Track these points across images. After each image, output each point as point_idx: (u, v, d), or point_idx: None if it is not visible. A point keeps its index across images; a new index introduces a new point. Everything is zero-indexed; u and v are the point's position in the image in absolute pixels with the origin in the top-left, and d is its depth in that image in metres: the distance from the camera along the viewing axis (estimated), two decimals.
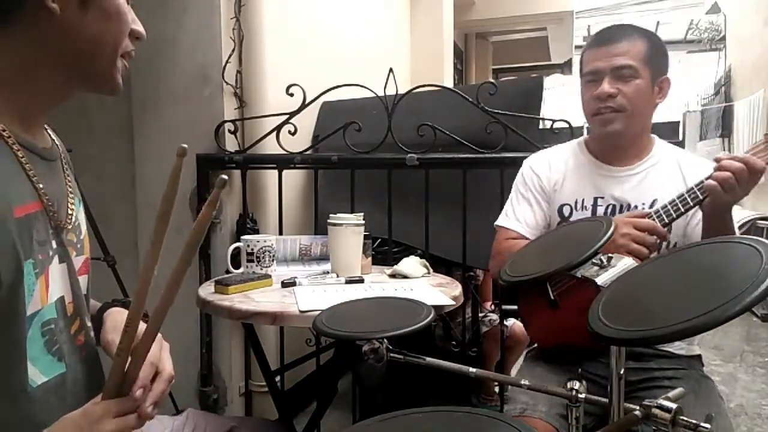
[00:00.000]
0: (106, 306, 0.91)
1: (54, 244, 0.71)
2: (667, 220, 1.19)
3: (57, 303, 0.71)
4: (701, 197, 1.15)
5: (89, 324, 0.78)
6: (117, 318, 0.85)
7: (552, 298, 1.29)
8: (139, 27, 0.74)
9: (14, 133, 0.67)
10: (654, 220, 1.19)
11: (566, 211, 1.37)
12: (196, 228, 0.66)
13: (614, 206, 1.32)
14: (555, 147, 1.47)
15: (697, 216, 1.26)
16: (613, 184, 1.33)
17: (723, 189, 1.08)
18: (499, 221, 1.45)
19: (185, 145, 0.65)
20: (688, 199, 1.16)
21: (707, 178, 1.13)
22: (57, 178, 0.75)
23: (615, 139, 1.32)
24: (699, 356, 1.35)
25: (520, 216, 1.41)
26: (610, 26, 1.34)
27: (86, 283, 0.80)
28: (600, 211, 1.33)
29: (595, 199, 1.34)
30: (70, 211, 0.75)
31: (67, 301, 0.73)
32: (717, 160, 1.12)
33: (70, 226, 0.75)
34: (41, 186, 0.69)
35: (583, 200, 1.35)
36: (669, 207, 1.19)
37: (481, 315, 2.33)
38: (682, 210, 1.17)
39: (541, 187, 1.41)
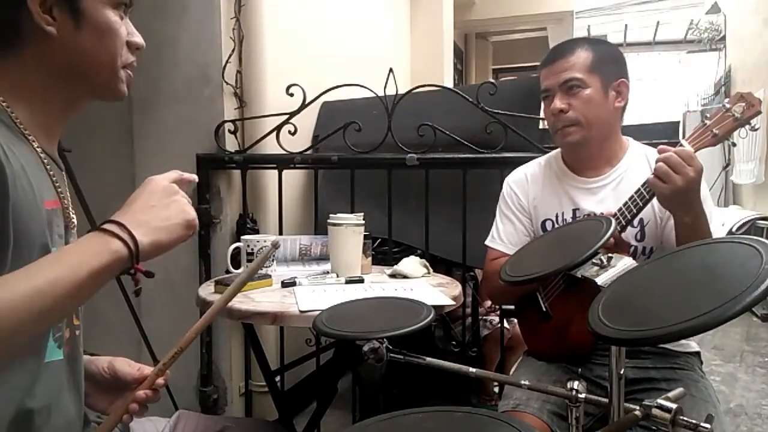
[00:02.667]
0: None
1: (64, 243, 0.75)
2: (629, 217, 1.20)
3: None
4: (647, 196, 1.17)
5: (77, 323, 0.80)
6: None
7: (544, 309, 1.31)
8: (136, 38, 0.80)
9: (37, 140, 0.73)
10: (625, 213, 1.21)
11: (549, 225, 1.39)
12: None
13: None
14: (534, 161, 1.50)
15: (669, 224, 1.27)
16: (588, 196, 1.35)
17: (660, 179, 1.10)
18: (487, 241, 1.48)
19: (277, 240, 0.79)
20: (644, 192, 1.18)
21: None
22: (65, 185, 0.80)
23: (578, 150, 1.35)
24: (697, 353, 1.35)
25: (504, 236, 1.44)
26: (559, 43, 1.38)
27: None
28: None
29: (574, 211, 1.36)
30: (73, 218, 0.80)
31: None
32: (659, 150, 1.13)
33: (74, 230, 0.80)
34: (59, 187, 0.76)
35: (563, 213, 1.37)
36: (629, 203, 1.20)
37: (482, 318, 2.33)
38: (641, 204, 1.19)
39: (520, 205, 1.43)
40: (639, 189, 1.19)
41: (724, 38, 7.39)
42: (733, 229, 4.75)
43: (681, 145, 1.14)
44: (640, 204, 1.18)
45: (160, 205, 0.71)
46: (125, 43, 0.78)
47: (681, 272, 0.63)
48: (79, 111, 0.80)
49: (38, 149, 0.73)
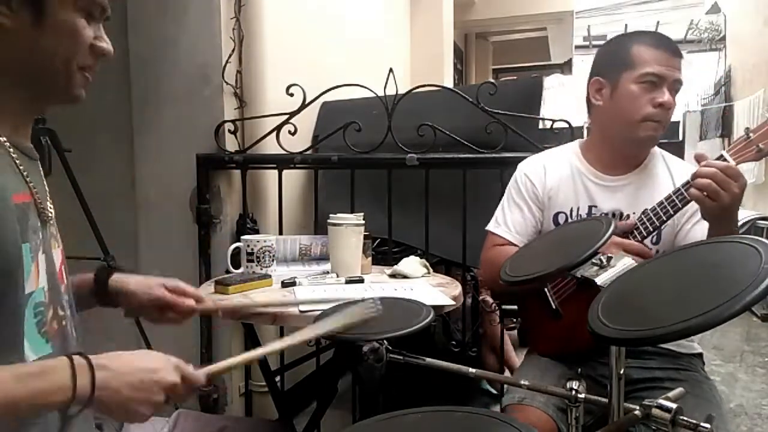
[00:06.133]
0: (102, 270, 1.00)
1: (41, 235, 0.75)
2: (658, 223, 1.19)
3: (44, 289, 0.75)
4: (680, 205, 1.16)
5: (62, 313, 0.80)
6: (128, 276, 1.00)
7: (554, 307, 1.30)
8: (103, 44, 0.77)
9: (5, 133, 0.72)
10: (639, 228, 1.20)
11: (561, 219, 1.37)
12: None
13: (607, 215, 1.32)
14: (550, 151, 1.47)
15: (685, 228, 1.27)
16: (608, 194, 1.34)
17: (708, 196, 1.07)
18: (490, 226, 1.45)
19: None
20: (676, 201, 1.17)
21: (688, 186, 1.13)
22: (39, 176, 0.80)
23: (645, 147, 1.32)
24: (700, 354, 1.35)
25: (510, 223, 1.41)
26: (660, 34, 1.34)
27: (67, 271, 0.84)
28: None
29: (590, 207, 1.35)
30: (50, 206, 0.80)
31: (46, 290, 0.76)
32: (698, 159, 1.11)
33: (52, 220, 0.80)
34: (30, 180, 0.74)
35: (578, 209, 1.36)
36: (659, 211, 1.19)
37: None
38: (672, 212, 1.18)
39: (534, 194, 1.40)
40: (671, 197, 1.17)
41: (724, 38, 7.39)
42: None
43: (723, 158, 1.10)
44: (671, 211, 1.17)
45: (137, 384, 0.69)
46: (89, 46, 0.75)
47: (681, 272, 0.63)
48: (39, 111, 0.79)
49: (5, 143, 0.71)
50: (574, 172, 1.38)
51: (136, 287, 0.98)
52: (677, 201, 1.16)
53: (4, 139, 0.71)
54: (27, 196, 0.73)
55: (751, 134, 1.11)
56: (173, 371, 0.72)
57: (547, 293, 1.32)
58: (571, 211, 1.36)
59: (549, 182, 1.39)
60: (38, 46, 0.71)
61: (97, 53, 0.77)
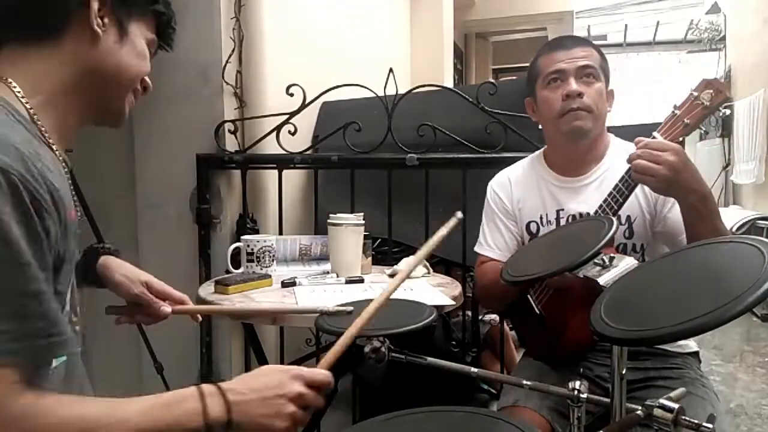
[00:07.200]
0: (93, 251, 1.03)
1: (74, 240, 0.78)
2: (611, 214, 1.20)
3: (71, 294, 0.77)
4: (627, 191, 1.17)
5: (75, 318, 0.81)
6: (118, 261, 1.03)
7: (537, 312, 1.30)
8: (148, 79, 0.86)
9: (60, 147, 0.76)
10: (606, 211, 1.21)
11: (533, 227, 1.38)
12: None
13: (575, 216, 1.33)
14: (516, 164, 1.49)
15: (662, 215, 1.27)
16: (572, 195, 1.35)
17: (645, 174, 1.08)
18: (476, 246, 1.48)
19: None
20: (623, 188, 1.18)
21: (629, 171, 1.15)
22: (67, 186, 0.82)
23: (579, 138, 1.31)
24: (696, 353, 1.35)
25: (491, 241, 1.44)
26: (559, 36, 1.39)
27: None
28: (563, 223, 1.35)
29: (557, 211, 1.35)
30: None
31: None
32: (636, 142, 1.13)
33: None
34: (74, 195, 0.77)
35: (546, 215, 1.37)
36: (609, 200, 1.21)
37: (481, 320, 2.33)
38: (621, 200, 1.19)
39: (504, 209, 1.43)
40: (617, 184, 1.19)
41: (724, 38, 7.39)
42: (733, 229, 4.76)
43: (653, 137, 1.13)
44: (620, 199, 1.19)
45: (265, 401, 0.69)
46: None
47: (683, 272, 0.63)
48: (83, 125, 0.83)
49: (59, 157, 0.75)
50: (538, 179, 1.40)
51: (120, 281, 1.00)
52: (623, 187, 1.18)
53: (63, 157, 0.75)
54: (74, 211, 0.75)
55: (676, 111, 1.13)
56: (293, 380, 0.71)
57: (530, 297, 1.32)
58: (541, 218, 1.37)
59: (516, 194, 1.42)
60: (118, 58, 0.78)
61: (143, 85, 0.85)
